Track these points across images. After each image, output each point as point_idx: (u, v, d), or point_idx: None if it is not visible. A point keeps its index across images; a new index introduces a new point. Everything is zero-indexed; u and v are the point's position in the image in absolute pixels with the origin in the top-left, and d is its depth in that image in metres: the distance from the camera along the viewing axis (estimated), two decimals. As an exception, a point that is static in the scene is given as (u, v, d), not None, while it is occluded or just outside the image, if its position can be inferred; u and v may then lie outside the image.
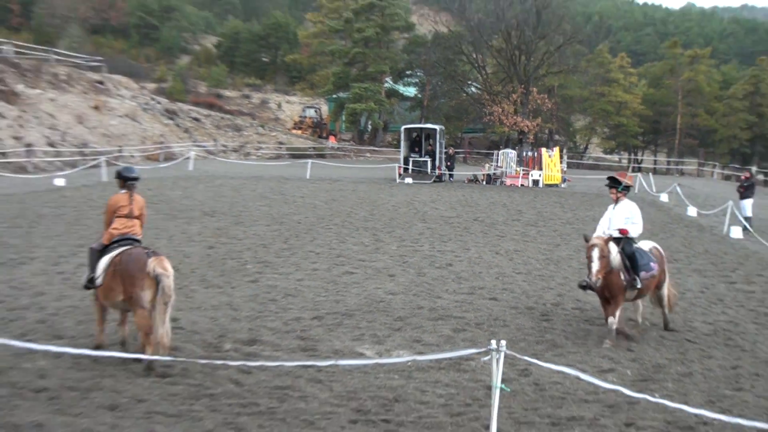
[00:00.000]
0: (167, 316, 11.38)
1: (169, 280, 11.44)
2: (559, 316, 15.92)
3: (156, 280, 11.34)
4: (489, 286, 18.73)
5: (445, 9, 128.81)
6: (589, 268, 13.21)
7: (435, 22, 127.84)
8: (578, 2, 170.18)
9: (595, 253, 13.09)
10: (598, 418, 10.09)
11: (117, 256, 11.86)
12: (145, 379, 11.13)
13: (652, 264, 13.99)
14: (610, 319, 13.60)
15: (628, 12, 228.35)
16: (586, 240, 13.64)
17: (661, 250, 14.95)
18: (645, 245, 14.72)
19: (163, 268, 11.55)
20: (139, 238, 12.77)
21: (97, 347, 12.17)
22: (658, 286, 14.53)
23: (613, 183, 14.70)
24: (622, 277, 13.52)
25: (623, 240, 13.93)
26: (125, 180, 13.04)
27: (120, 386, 10.76)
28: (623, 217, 14.20)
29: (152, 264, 11.46)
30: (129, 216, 12.75)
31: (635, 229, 14.09)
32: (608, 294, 13.64)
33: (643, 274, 13.72)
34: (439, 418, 9.94)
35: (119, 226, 12.61)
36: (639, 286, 13.75)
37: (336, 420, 9.73)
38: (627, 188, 14.69)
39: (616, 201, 14.53)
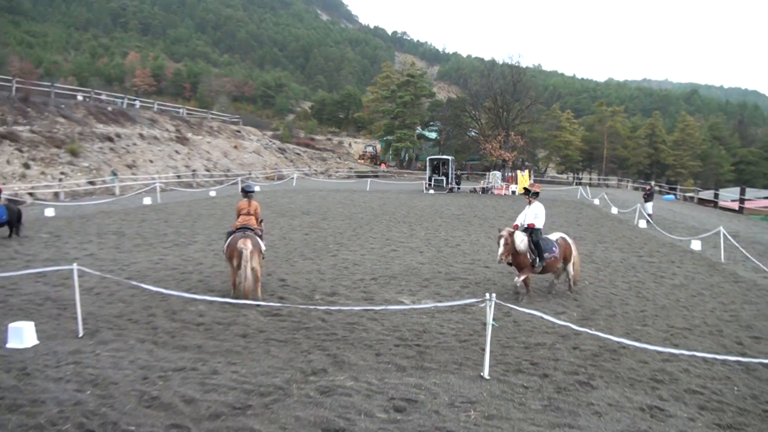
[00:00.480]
0: (248, 272, 11.95)
1: (246, 252, 12.00)
2: (530, 278, 15.72)
3: (240, 251, 12.00)
4: (484, 259, 18.56)
5: (454, 83, 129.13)
6: (497, 251, 13.16)
7: (448, 91, 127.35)
8: (539, 78, 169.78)
9: (501, 241, 13.02)
10: (555, 344, 9.96)
11: (232, 236, 12.74)
12: (264, 316, 11.13)
13: (554, 248, 13.62)
14: (516, 279, 13.44)
15: (571, 83, 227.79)
16: (499, 231, 13.50)
17: (568, 239, 14.35)
18: (553, 236, 14.30)
19: (244, 244, 12.15)
20: (252, 227, 13.24)
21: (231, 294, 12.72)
22: (565, 263, 14.06)
23: (527, 192, 14.45)
24: (529, 257, 13.29)
25: (532, 231, 13.66)
26: (245, 192, 13.82)
27: (249, 322, 10.77)
28: (533, 214, 13.86)
29: (240, 242, 12.20)
30: (247, 214, 13.48)
31: (539, 222, 13.73)
32: (517, 267, 13.52)
33: (546, 255, 13.43)
34: (452, 343, 9.84)
35: (241, 220, 13.37)
36: (540, 264, 13.46)
37: (386, 344, 9.66)
38: (536, 194, 14.31)
39: (529, 203, 14.12)
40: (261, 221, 13.98)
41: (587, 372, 8.59)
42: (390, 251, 19.58)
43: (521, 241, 13.31)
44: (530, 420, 6.79)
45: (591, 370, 8.67)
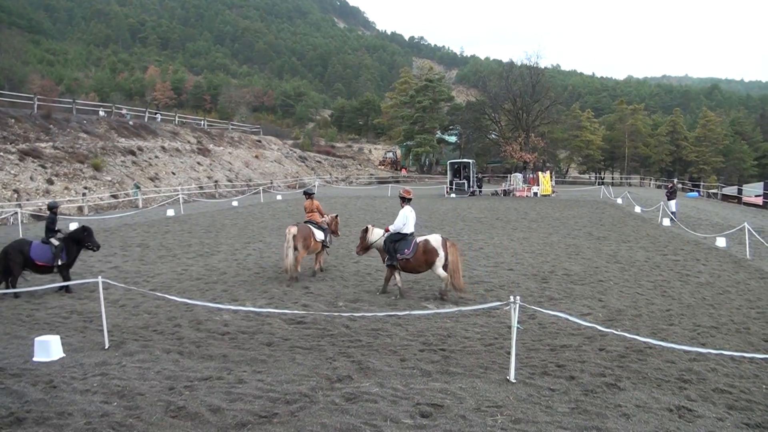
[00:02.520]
0: (289, 252, 14.95)
1: (288, 236, 15.10)
2: (554, 280, 15.64)
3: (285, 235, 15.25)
4: (507, 262, 18.48)
5: (473, 86, 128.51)
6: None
7: (467, 95, 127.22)
8: (558, 78, 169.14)
9: (360, 236, 14.58)
10: (581, 345, 9.88)
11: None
12: (289, 324, 11.14)
13: (406, 251, 13.32)
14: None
15: (590, 82, 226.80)
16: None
17: (435, 243, 13.37)
18: (433, 238, 13.59)
19: (288, 230, 15.30)
20: (314, 220, 16.60)
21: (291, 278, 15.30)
22: (429, 265, 13.40)
23: (401, 198, 14.00)
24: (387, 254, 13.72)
25: (390, 233, 13.76)
26: (307, 194, 17.49)
27: (274, 330, 10.79)
28: (400, 218, 13.59)
29: (287, 228, 15.48)
30: (309, 211, 16.97)
31: (405, 227, 13.56)
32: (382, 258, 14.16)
33: (398, 255, 13.37)
34: (477, 347, 9.79)
35: (307, 215, 16.91)
36: (390, 262, 13.62)
37: (410, 349, 9.63)
38: (407, 200, 13.89)
39: (404, 204, 13.81)
40: (336, 216, 17.97)
41: (614, 373, 8.50)
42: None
43: (377, 236, 14.25)
44: (557, 423, 6.73)
45: (618, 372, 8.57)
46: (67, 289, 14.28)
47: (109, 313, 11.41)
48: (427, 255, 13.34)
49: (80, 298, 13.51)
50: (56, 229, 14.86)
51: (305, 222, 16.32)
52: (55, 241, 14.43)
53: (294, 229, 15.17)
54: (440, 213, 35.18)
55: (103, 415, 6.84)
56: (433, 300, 13.33)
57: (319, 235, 16.18)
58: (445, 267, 13.26)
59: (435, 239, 13.45)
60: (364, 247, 14.40)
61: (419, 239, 13.62)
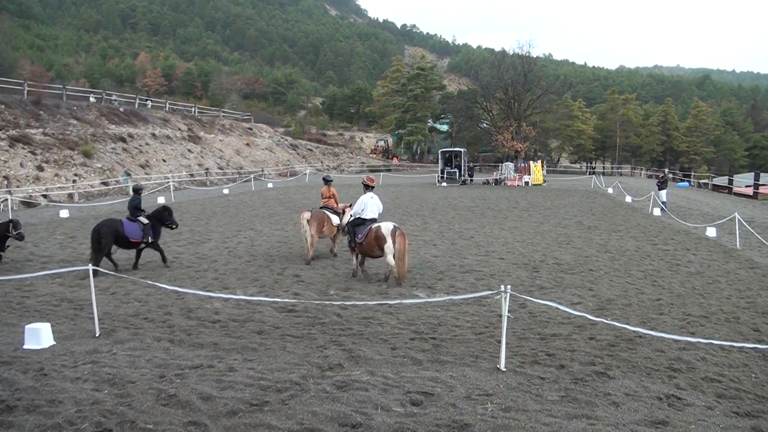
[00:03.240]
0: (306, 236, 16.25)
1: (302, 220, 16.34)
2: (544, 269, 15.70)
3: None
4: (498, 251, 18.53)
5: (465, 75, 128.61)
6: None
7: (459, 83, 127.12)
8: (550, 67, 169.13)
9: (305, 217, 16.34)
10: (571, 334, 9.93)
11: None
12: (280, 312, 11.15)
13: (359, 235, 14.01)
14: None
15: (582, 72, 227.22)
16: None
17: (385, 230, 13.55)
18: (384, 225, 13.79)
19: (303, 216, 16.42)
20: (330, 206, 17.70)
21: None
22: (381, 249, 13.66)
23: (364, 185, 15.08)
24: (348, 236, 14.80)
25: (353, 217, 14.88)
26: (325, 181, 18.69)
27: (264, 318, 10.80)
28: (358, 203, 14.70)
29: (305, 214, 16.52)
30: (326, 198, 18.08)
31: (353, 211, 14.86)
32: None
33: (357, 237, 14.07)
34: (468, 336, 9.83)
35: (323, 202, 18.03)
36: (350, 245, 14.76)
37: (401, 338, 9.66)
38: (369, 187, 14.94)
39: (366, 191, 14.85)
40: (349, 205, 17.77)
41: (604, 362, 8.54)
42: (404, 245, 19.56)
43: (336, 221, 17.19)
44: (547, 411, 6.76)
45: (607, 360, 8.62)
46: (164, 260, 16.05)
47: (100, 300, 11.39)
48: (378, 241, 13.66)
49: (71, 286, 13.48)
50: (141, 208, 16.17)
51: (321, 207, 17.53)
52: (143, 220, 15.77)
53: (307, 215, 16.43)
54: (431, 202, 35.20)
55: (93, 403, 6.83)
56: (423, 288, 13.36)
57: (335, 219, 17.26)
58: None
59: (386, 227, 13.70)
60: (320, 229, 16.51)
61: (374, 225, 13.95)
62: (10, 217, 17.34)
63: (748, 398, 7.40)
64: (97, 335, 9.66)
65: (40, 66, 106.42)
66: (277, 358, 8.59)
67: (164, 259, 16.03)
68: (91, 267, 10.00)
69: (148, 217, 15.97)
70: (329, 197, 18.05)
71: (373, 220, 14.35)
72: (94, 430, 6.18)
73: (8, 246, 16.19)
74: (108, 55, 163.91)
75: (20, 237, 16.07)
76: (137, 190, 16.66)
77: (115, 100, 57.90)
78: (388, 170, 75.34)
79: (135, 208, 15.94)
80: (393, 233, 13.51)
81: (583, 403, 7.02)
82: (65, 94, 49.42)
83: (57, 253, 17.82)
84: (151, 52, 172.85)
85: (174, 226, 16.70)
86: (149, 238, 15.70)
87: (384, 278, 14.12)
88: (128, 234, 15.23)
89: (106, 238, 14.89)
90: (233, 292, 12.80)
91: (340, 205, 18.21)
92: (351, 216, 14.90)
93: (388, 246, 13.45)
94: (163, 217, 16.23)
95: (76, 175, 37.32)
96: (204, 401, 6.90)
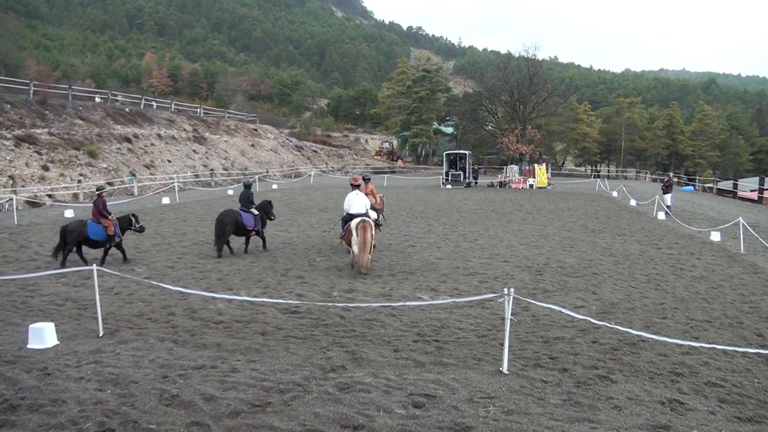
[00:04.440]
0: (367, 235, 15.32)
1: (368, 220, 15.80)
2: (548, 272, 15.69)
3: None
4: (502, 253, 18.53)
5: (470, 77, 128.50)
6: None
7: (464, 86, 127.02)
8: (555, 70, 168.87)
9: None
10: (574, 338, 9.93)
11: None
12: (283, 314, 11.16)
13: (342, 229, 16.18)
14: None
15: (587, 75, 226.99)
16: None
17: (353, 225, 15.17)
18: (355, 220, 15.30)
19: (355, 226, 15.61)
20: (372, 204, 18.25)
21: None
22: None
23: (351, 184, 17.16)
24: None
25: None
26: (364, 179, 19.18)
27: (268, 319, 10.81)
28: (353, 198, 16.35)
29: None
30: (366, 195, 17.92)
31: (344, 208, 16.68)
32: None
33: (342, 231, 16.27)
34: (471, 338, 9.83)
35: None
36: (340, 237, 16.90)
37: (404, 340, 9.66)
38: (355, 186, 16.75)
39: (353, 190, 16.62)
40: (382, 196, 20.19)
41: (606, 366, 8.54)
42: (407, 247, 19.59)
43: (374, 216, 17.73)
44: (549, 415, 6.76)
45: (610, 364, 8.61)
46: (264, 246, 18.84)
47: (104, 300, 11.40)
48: (348, 234, 15.38)
49: (75, 286, 13.51)
50: (252, 201, 18.66)
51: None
52: (254, 211, 18.45)
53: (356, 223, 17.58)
54: (436, 204, 35.21)
55: (96, 403, 6.84)
56: (427, 291, 13.37)
57: (373, 215, 17.96)
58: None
59: (354, 222, 15.25)
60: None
61: (352, 221, 15.51)
62: (130, 212, 18.99)
63: (751, 403, 7.39)
64: (100, 335, 9.67)
65: (46, 66, 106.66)
66: (280, 359, 8.60)
67: (265, 246, 18.84)
68: (95, 267, 10.02)
69: (257, 207, 18.71)
70: (368, 194, 19.05)
71: (359, 215, 15.74)
72: (97, 430, 6.19)
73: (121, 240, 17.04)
74: (114, 55, 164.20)
75: (141, 229, 17.98)
76: (248, 186, 19.19)
77: (118, 101, 57.97)
78: (393, 172, 75.33)
79: (247, 201, 18.48)
80: (357, 226, 15.06)
81: (586, 407, 7.01)
82: (71, 95, 49.52)
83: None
84: (157, 52, 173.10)
85: (272, 218, 19.49)
86: (259, 225, 18.48)
87: (351, 265, 15.71)
88: (245, 222, 17.84)
89: (230, 226, 17.39)
90: (237, 292, 12.81)
91: (378, 196, 20.18)
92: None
93: (354, 237, 15.04)
94: (267, 209, 19.05)
95: (81, 175, 37.42)
96: (207, 402, 6.91)
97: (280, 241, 20.62)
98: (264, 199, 19.86)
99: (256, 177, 51.03)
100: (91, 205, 17.41)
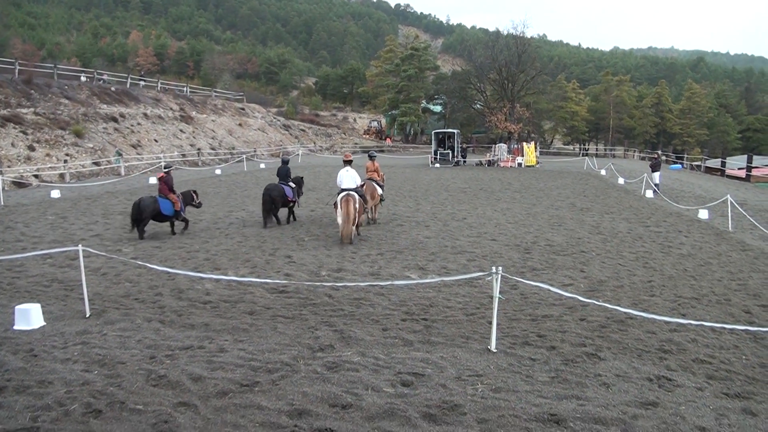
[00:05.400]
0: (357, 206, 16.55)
1: (344, 204, 16.29)
2: (536, 250, 15.71)
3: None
4: (490, 232, 18.54)
5: (459, 56, 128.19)
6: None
7: (453, 64, 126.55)
8: (544, 48, 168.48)
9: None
10: (562, 316, 9.95)
11: (364, 183, 18.53)
12: (271, 293, 11.14)
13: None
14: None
15: (576, 53, 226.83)
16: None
17: (339, 199, 16.40)
18: (341, 195, 16.39)
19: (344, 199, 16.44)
20: (375, 179, 19.93)
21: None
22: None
23: (343, 161, 17.63)
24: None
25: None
26: (370, 157, 21.25)
27: (256, 299, 10.79)
28: (344, 175, 16.95)
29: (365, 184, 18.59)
30: (371, 171, 20.36)
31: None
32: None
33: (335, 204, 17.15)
34: (459, 317, 9.84)
35: (368, 174, 20.16)
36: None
37: (392, 319, 9.66)
38: (347, 162, 17.33)
39: (344, 166, 17.24)
40: (382, 174, 21.05)
41: (594, 343, 8.57)
42: (396, 226, 19.58)
43: (380, 191, 19.80)
44: (537, 392, 6.78)
45: (598, 342, 8.65)
46: (294, 218, 20.54)
47: (90, 281, 11.36)
48: (336, 207, 16.66)
49: (61, 267, 13.44)
50: (290, 176, 20.33)
51: (367, 179, 19.72)
52: (292, 184, 20.14)
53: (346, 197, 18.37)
54: (424, 183, 35.19)
55: (83, 384, 6.82)
56: (415, 270, 13.37)
57: (379, 190, 19.86)
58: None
59: (341, 196, 16.36)
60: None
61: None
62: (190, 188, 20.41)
63: (739, 380, 7.44)
64: (87, 316, 9.63)
65: (31, 44, 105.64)
66: (268, 338, 8.59)
67: (295, 217, 20.56)
68: (81, 247, 9.95)
69: (294, 180, 20.43)
70: (374, 171, 20.43)
71: (350, 190, 16.59)
72: (84, 411, 6.17)
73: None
74: (100, 33, 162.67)
75: (199, 205, 19.69)
76: (285, 161, 20.80)
77: (101, 79, 57.37)
78: (381, 151, 75.09)
79: (286, 175, 20.10)
80: (341, 200, 16.21)
81: (574, 384, 7.04)
82: (56, 73, 48.94)
83: (48, 233, 17.75)
84: (143, 30, 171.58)
85: (301, 194, 21.37)
86: (296, 197, 20.25)
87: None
88: (288, 195, 19.60)
89: (277, 199, 19.07)
90: (225, 272, 12.77)
91: (379, 177, 20.76)
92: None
93: (339, 210, 16.30)
94: (300, 184, 20.95)
95: (67, 155, 37.10)
96: (194, 382, 6.90)
97: (268, 220, 20.59)
98: (299, 176, 21.66)
99: (244, 156, 50.81)
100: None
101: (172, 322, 9.40)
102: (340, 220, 16.29)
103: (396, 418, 6.10)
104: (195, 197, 19.14)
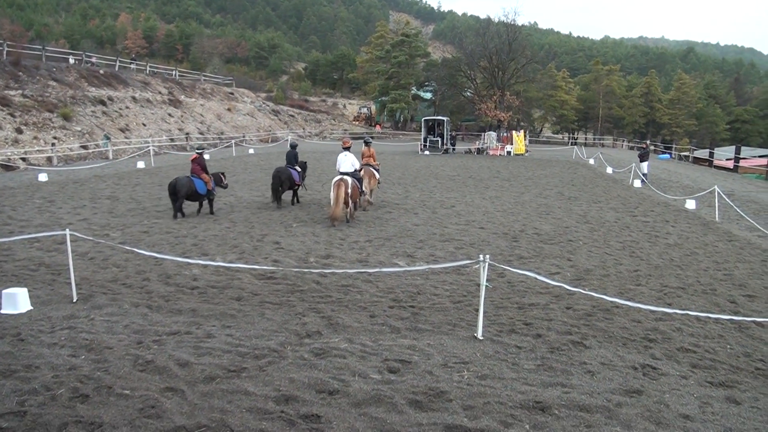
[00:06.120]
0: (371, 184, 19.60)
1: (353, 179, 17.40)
2: (524, 239, 15.76)
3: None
4: (478, 220, 18.58)
5: (449, 43, 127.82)
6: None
7: (443, 51, 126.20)
8: (535, 36, 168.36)
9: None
10: (548, 304, 10.00)
11: (362, 168, 19.32)
12: (258, 279, 11.14)
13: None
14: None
15: (567, 42, 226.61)
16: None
17: (332, 183, 17.04)
18: (335, 179, 16.99)
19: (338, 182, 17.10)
20: (371, 164, 20.98)
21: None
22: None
23: (344, 146, 18.46)
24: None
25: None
26: (365, 143, 21.93)
27: (243, 285, 10.78)
28: (342, 159, 18.05)
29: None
30: (367, 156, 21.25)
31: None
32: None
33: None
34: (446, 304, 9.88)
35: (364, 161, 20.82)
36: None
37: (380, 306, 9.69)
38: (346, 148, 18.25)
39: (343, 151, 18.20)
40: (377, 163, 21.73)
41: (580, 332, 8.63)
42: (384, 213, 19.59)
43: (377, 175, 20.83)
44: (523, 380, 6.83)
45: (584, 330, 8.71)
46: (297, 200, 21.44)
47: (78, 266, 11.32)
48: (330, 190, 17.23)
49: (48, 251, 13.38)
50: (297, 160, 21.58)
51: (365, 165, 20.57)
52: (298, 168, 21.25)
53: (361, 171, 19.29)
54: (413, 170, 35.18)
55: (70, 369, 6.82)
56: (403, 257, 13.40)
57: (377, 174, 20.81)
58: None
59: (334, 180, 17.01)
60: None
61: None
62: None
63: (723, 369, 7.51)
64: (74, 300, 9.61)
65: (19, 25, 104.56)
66: (255, 324, 8.60)
67: (298, 200, 21.41)
68: (68, 232, 9.91)
69: (300, 164, 21.52)
70: (369, 156, 21.31)
71: (347, 173, 17.48)
72: (70, 396, 6.17)
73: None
74: (88, 15, 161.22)
75: (226, 186, 20.76)
76: (294, 146, 22.42)
77: (92, 62, 56.90)
78: (371, 137, 75.06)
79: (293, 159, 21.38)
80: (333, 184, 16.85)
81: (559, 372, 7.10)
82: (45, 55, 48.53)
83: (35, 217, 17.66)
84: (132, 13, 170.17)
85: (305, 177, 22.35)
86: (302, 181, 21.38)
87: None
88: (295, 178, 20.59)
89: (285, 181, 20.01)
90: (212, 258, 12.76)
91: (374, 162, 21.54)
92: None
93: (330, 194, 17.08)
94: (305, 168, 22.03)
95: (55, 138, 36.85)
96: (181, 367, 6.91)
97: (256, 206, 20.53)
98: (304, 161, 22.53)
99: (233, 141, 50.64)
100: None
101: (159, 308, 9.40)
102: (332, 202, 17.00)
103: (383, 404, 6.13)
104: (223, 179, 20.23)
